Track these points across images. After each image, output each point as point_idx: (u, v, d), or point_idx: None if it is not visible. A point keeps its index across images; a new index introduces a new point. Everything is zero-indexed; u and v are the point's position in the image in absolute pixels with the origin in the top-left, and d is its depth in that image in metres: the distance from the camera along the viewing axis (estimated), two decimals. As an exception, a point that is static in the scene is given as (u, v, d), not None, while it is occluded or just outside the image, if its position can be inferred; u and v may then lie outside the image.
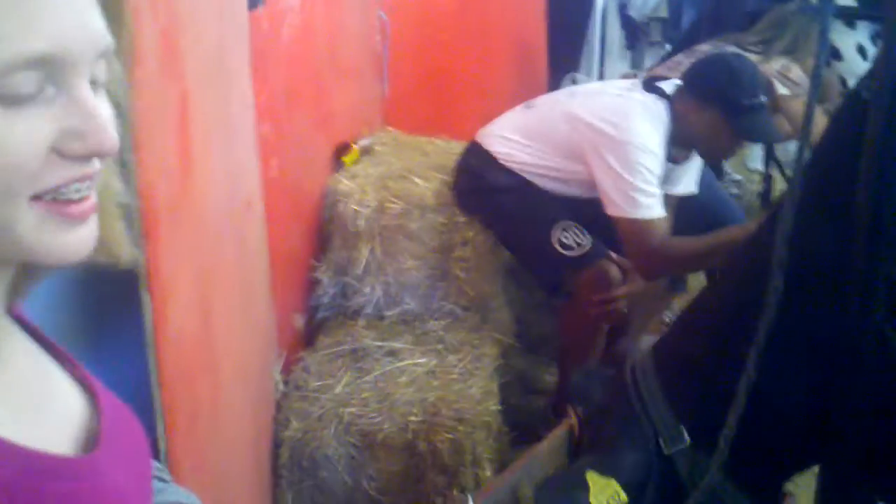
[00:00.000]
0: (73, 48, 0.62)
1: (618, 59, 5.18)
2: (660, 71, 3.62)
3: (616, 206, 2.71)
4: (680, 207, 2.97)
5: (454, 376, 2.72)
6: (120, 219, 0.79)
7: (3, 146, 0.59)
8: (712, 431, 1.30)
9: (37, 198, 0.63)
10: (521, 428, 2.83)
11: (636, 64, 5.23)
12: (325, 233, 3.10)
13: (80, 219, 0.66)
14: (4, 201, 0.61)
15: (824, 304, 1.25)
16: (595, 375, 1.75)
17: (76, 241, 0.67)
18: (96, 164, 0.67)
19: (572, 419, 1.68)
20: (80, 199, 0.66)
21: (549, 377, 3.33)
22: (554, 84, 4.61)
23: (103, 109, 0.66)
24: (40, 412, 0.73)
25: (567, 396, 1.76)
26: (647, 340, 1.65)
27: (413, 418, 2.54)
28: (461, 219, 3.01)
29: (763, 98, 2.73)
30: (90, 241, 0.68)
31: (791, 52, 3.72)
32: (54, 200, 0.64)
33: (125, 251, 0.80)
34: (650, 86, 2.88)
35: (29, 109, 0.61)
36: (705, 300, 1.57)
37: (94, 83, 0.66)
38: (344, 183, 3.09)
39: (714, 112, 2.73)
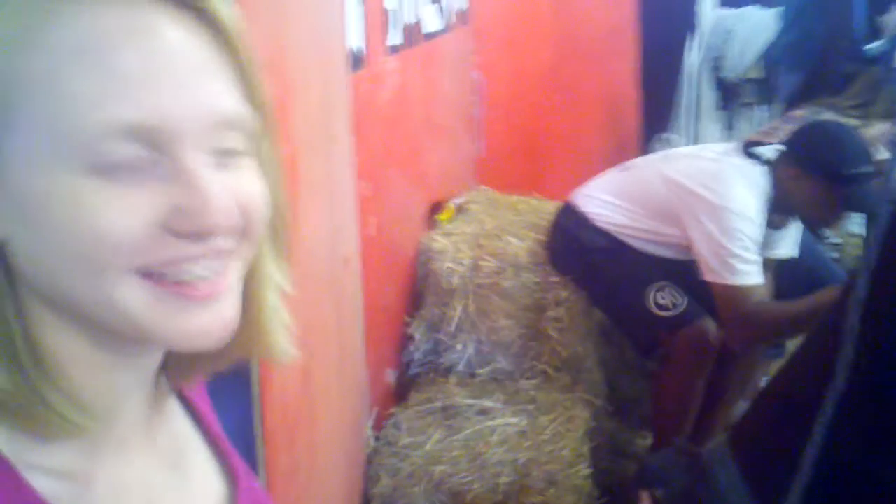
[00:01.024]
0: (176, 118, 0.57)
1: (710, 120, 5.15)
2: (757, 136, 3.59)
3: (713, 272, 2.68)
4: (781, 270, 2.92)
5: (545, 437, 2.70)
6: (275, 311, 0.72)
7: (94, 218, 0.55)
8: None
9: (147, 274, 0.58)
10: (611, 492, 2.78)
11: (729, 125, 5.19)
12: (418, 289, 3.13)
13: (203, 300, 0.61)
14: (99, 274, 0.57)
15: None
16: (671, 457, 1.70)
17: (201, 323, 0.61)
18: (220, 243, 0.61)
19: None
20: (201, 281, 0.61)
21: (641, 441, 3.28)
22: (646, 144, 4.60)
23: (218, 185, 0.59)
24: None
25: (641, 479, 1.71)
26: (742, 408, 1.61)
27: (504, 479, 2.52)
28: (554, 278, 3.01)
29: (867, 167, 2.67)
30: (222, 325, 0.62)
31: (890, 116, 3.65)
32: (171, 283, 0.59)
33: (281, 348, 0.74)
34: (748, 151, 2.85)
35: (130, 180, 0.56)
36: (781, 378, 1.52)
37: (221, 156, 0.61)
38: (438, 241, 3.13)
39: (817, 181, 2.68)
